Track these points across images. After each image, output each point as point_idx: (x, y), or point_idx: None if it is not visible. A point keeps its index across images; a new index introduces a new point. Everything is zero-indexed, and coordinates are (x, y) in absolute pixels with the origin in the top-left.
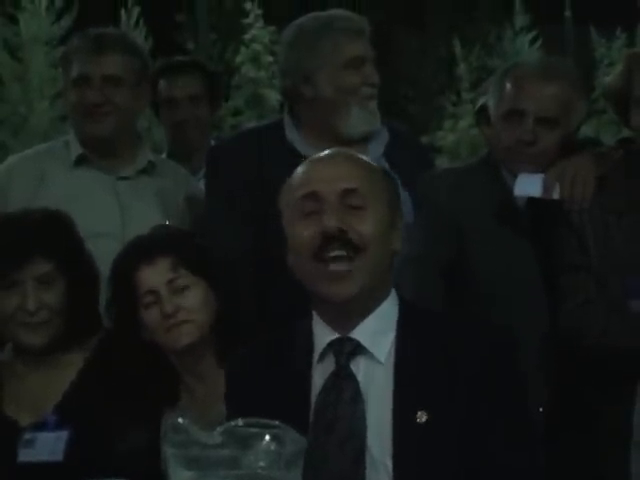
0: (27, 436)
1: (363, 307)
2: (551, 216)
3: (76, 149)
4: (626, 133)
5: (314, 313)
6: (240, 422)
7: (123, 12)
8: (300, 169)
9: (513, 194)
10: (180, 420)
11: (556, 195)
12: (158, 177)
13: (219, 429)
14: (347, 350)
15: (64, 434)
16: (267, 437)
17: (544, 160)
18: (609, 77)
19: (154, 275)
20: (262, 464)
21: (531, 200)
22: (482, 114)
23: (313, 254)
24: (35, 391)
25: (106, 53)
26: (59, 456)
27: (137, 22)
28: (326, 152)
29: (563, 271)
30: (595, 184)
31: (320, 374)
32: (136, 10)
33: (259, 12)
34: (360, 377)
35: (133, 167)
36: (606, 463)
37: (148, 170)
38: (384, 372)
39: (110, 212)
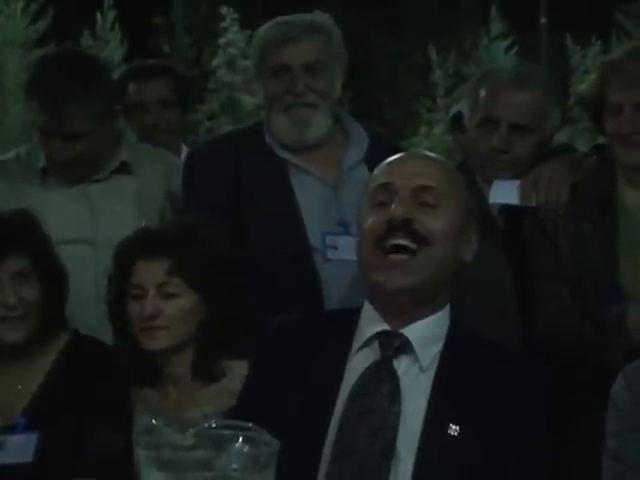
0: None
1: (416, 306)
2: (525, 223)
3: (43, 160)
4: (601, 140)
5: (366, 302)
6: (213, 424)
7: (99, 15)
8: (384, 162)
9: (488, 201)
10: (153, 421)
11: (531, 202)
12: (133, 176)
13: (192, 431)
14: (395, 344)
15: (34, 436)
16: (240, 439)
17: (518, 167)
18: (584, 84)
19: (147, 273)
20: (235, 466)
21: (505, 207)
22: (456, 121)
23: (376, 241)
24: (3, 394)
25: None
26: (29, 458)
27: (112, 25)
28: (413, 150)
29: (537, 278)
30: (570, 190)
31: (359, 361)
32: (112, 14)
33: (235, 16)
34: (400, 375)
35: (106, 169)
36: (578, 468)
37: (122, 170)
38: (424, 378)
39: (81, 217)
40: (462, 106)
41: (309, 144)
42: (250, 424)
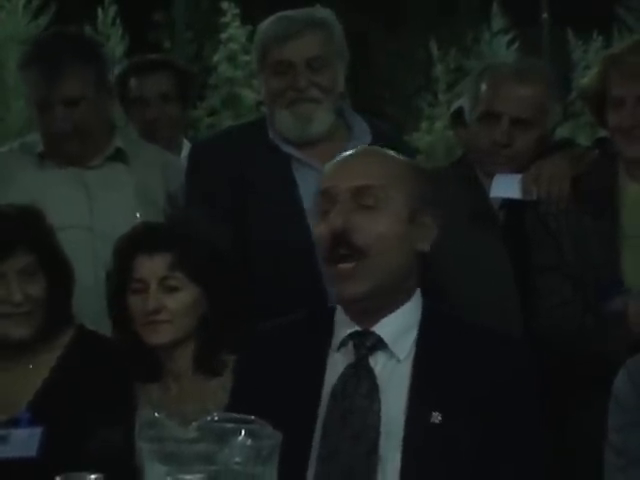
0: (0, 433)
1: (380, 306)
2: (527, 217)
3: (42, 145)
4: (602, 134)
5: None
6: (216, 417)
7: (100, 11)
8: (327, 165)
9: (489, 195)
10: (156, 415)
11: (533, 196)
12: (128, 163)
13: (195, 424)
14: (368, 343)
15: (38, 430)
16: (243, 432)
17: (520, 161)
18: (586, 78)
19: (149, 268)
20: (238, 459)
21: (507, 201)
22: (457, 117)
23: (325, 254)
24: (8, 389)
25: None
26: (32, 452)
27: (114, 21)
28: (353, 149)
29: (539, 272)
30: (571, 185)
31: (336, 363)
32: (113, 9)
33: (236, 11)
34: (377, 372)
35: (102, 156)
36: (579, 462)
37: (117, 157)
38: (402, 370)
39: (77, 203)
40: (464, 101)
41: (312, 139)
42: (252, 417)
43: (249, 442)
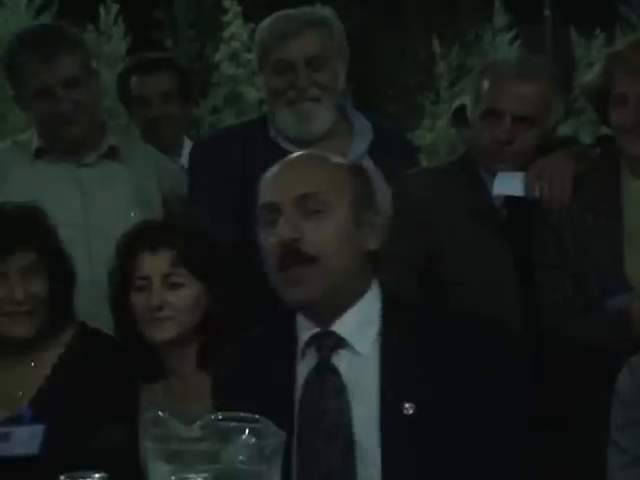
0: (2, 430)
1: (336, 305)
2: (529, 214)
3: (36, 141)
4: (605, 132)
5: None
6: (220, 416)
7: (102, 9)
8: (265, 176)
9: (491, 193)
10: (160, 413)
11: (535, 193)
12: (123, 161)
13: (199, 423)
14: (329, 344)
15: (40, 428)
16: (247, 431)
17: (522, 159)
18: (589, 76)
19: (153, 264)
20: (242, 458)
21: (508, 199)
22: (460, 114)
23: (276, 264)
24: (10, 386)
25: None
26: (35, 450)
27: (116, 19)
28: (286, 157)
29: (540, 269)
30: (573, 182)
31: (304, 369)
32: (115, 7)
33: (238, 9)
34: (343, 370)
35: (95, 153)
36: (581, 461)
37: (111, 155)
38: (368, 364)
39: (71, 201)
40: (466, 99)
41: (313, 138)
42: (256, 416)
43: (253, 441)
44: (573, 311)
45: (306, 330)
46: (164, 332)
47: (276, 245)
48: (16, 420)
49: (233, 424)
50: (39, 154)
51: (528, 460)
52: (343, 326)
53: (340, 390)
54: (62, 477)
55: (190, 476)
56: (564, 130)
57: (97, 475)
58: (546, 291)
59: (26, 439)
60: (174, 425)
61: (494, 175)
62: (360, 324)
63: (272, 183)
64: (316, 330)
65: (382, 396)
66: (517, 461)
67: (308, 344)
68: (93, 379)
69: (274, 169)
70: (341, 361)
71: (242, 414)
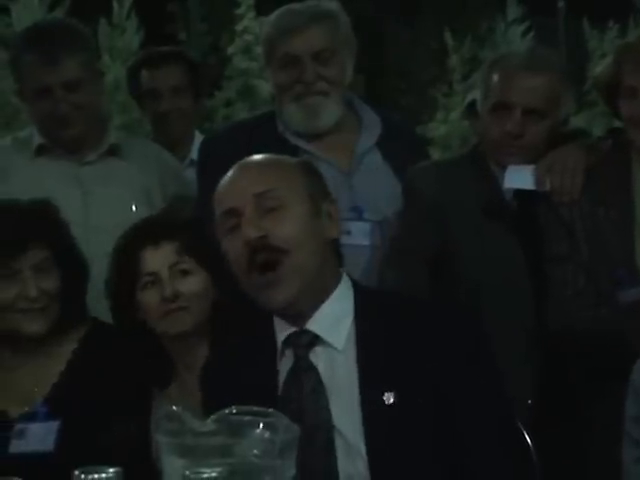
0: (18, 427)
1: (310, 301)
2: (540, 207)
3: (37, 138)
4: (617, 124)
5: None
6: (233, 410)
7: (115, 3)
8: (221, 183)
9: (501, 186)
10: (174, 408)
11: (546, 186)
12: (124, 159)
13: (212, 417)
14: (304, 342)
15: (55, 424)
16: (261, 425)
17: (532, 152)
18: (599, 67)
19: (158, 258)
20: (256, 452)
21: (519, 192)
22: (474, 107)
23: (245, 267)
24: (24, 382)
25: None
26: (50, 446)
27: (129, 13)
28: (238, 164)
29: (552, 263)
30: (584, 175)
31: (284, 368)
32: (128, 1)
33: (250, 2)
34: (321, 367)
35: (96, 151)
36: (595, 454)
37: (112, 153)
38: (345, 358)
39: (72, 199)
40: (477, 93)
41: (321, 132)
42: (270, 409)
43: (267, 435)
44: (584, 304)
45: (283, 330)
46: (179, 324)
47: (243, 246)
48: (31, 417)
49: (247, 418)
50: (40, 151)
51: (511, 433)
52: (317, 323)
53: (318, 387)
54: (77, 471)
55: (204, 470)
56: (577, 122)
57: (111, 470)
58: (557, 284)
59: (41, 436)
60: (188, 419)
61: (504, 168)
62: (334, 319)
63: (228, 190)
64: (291, 330)
65: (362, 388)
66: (502, 432)
67: (285, 343)
68: (107, 374)
69: (227, 177)
70: (318, 358)
71: (256, 408)
